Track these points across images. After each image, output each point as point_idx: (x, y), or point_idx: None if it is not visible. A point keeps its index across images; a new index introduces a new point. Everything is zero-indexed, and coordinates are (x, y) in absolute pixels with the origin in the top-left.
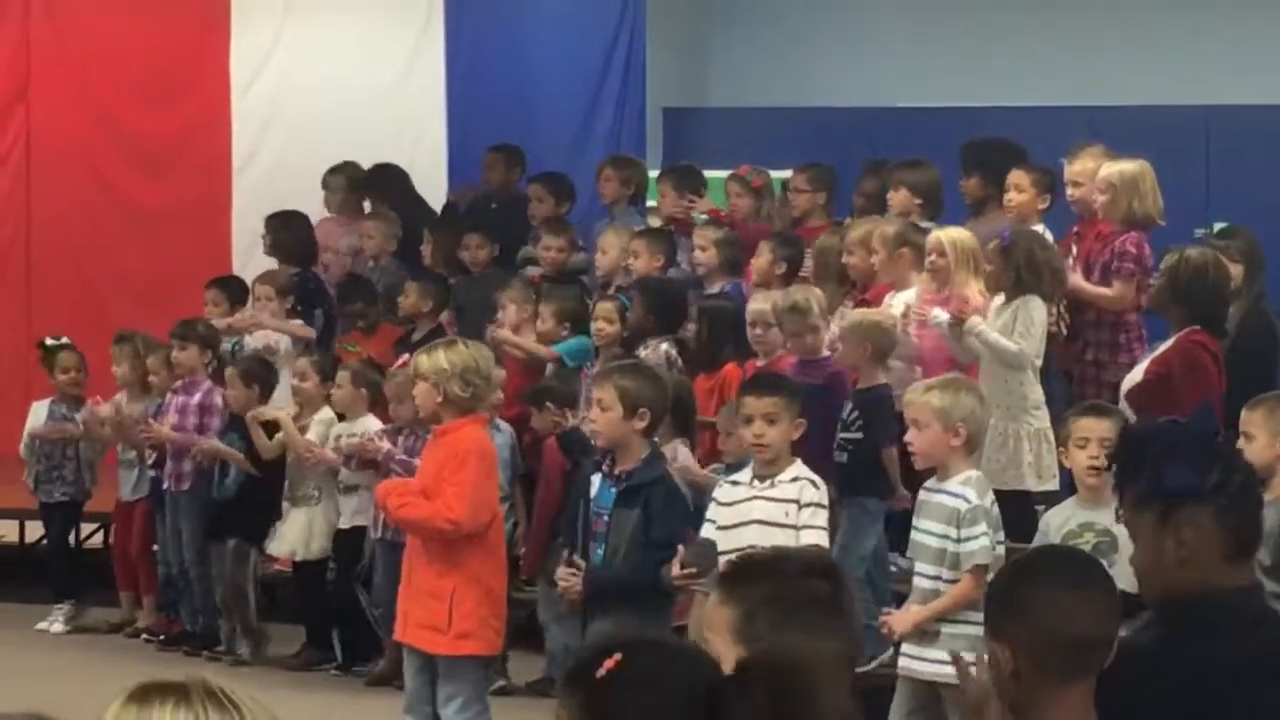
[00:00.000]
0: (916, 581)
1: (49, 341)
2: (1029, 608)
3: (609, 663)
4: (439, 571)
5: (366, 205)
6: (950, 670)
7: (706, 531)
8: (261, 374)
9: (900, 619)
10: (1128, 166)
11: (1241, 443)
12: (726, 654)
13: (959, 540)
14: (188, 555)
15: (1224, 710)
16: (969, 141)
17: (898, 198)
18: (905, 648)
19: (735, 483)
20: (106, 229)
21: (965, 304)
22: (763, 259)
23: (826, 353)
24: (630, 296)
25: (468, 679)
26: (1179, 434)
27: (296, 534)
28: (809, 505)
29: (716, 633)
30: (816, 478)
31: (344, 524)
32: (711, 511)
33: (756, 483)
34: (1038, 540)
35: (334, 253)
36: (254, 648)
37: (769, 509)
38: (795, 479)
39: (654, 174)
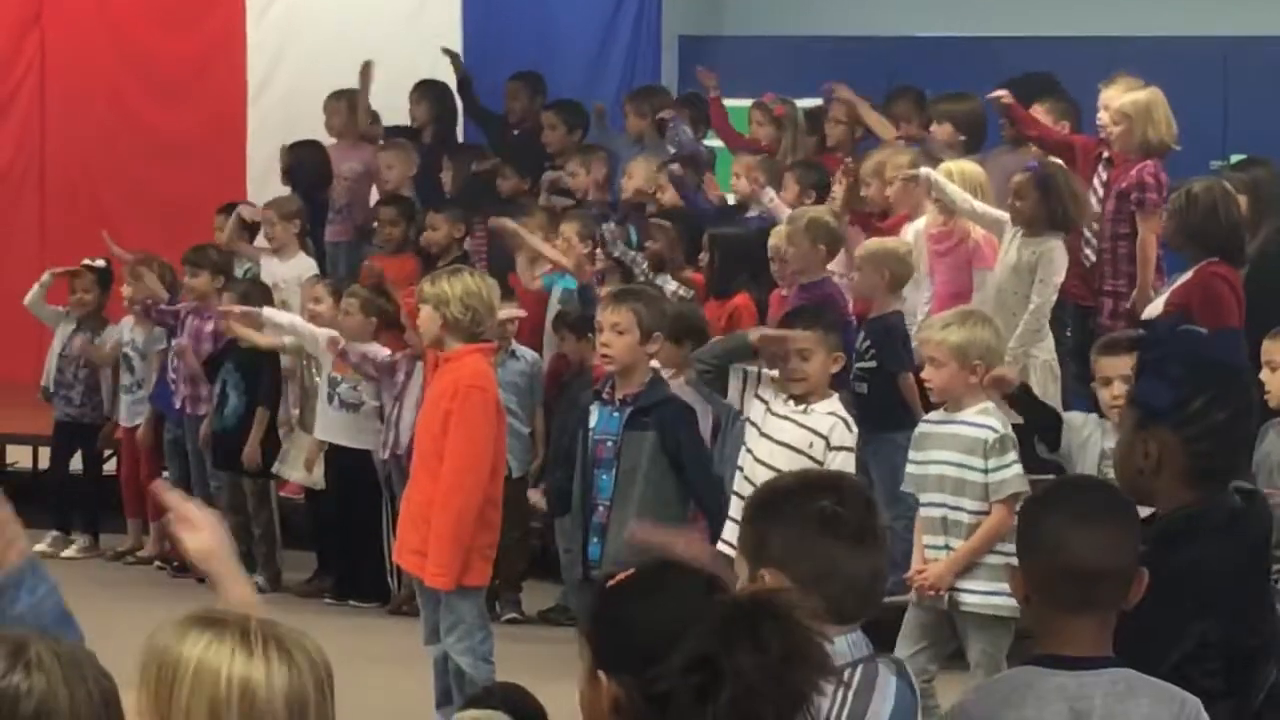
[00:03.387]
0: (925, 512)
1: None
2: (1037, 536)
3: (621, 575)
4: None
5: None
6: (979, 600)
7: (740, 453)
8: (258, 299)
9: (938, 574)
10: (1140, 95)
11: (1264, 373)
12: (740, 570)
13: (987, 470)
14: (213, 482)
15: (1207, 618)
16: (1008, 80)
17: (941, 131)
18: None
19: (764, 400)
20: (121, 155)
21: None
22: (789, 191)
23: (825, 274)
24: (639, 225)
25: (468, 606)
26: (1181, 349)
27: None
28: (840, 449)
29: (739, 553)
30: (850, 418)
31: (338, 440)
32: (746, 430)
33: (791, 403)
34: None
35: (339, 178)
36: (271, 581)
37: (797, 435)
38: (830, 413)
39: None
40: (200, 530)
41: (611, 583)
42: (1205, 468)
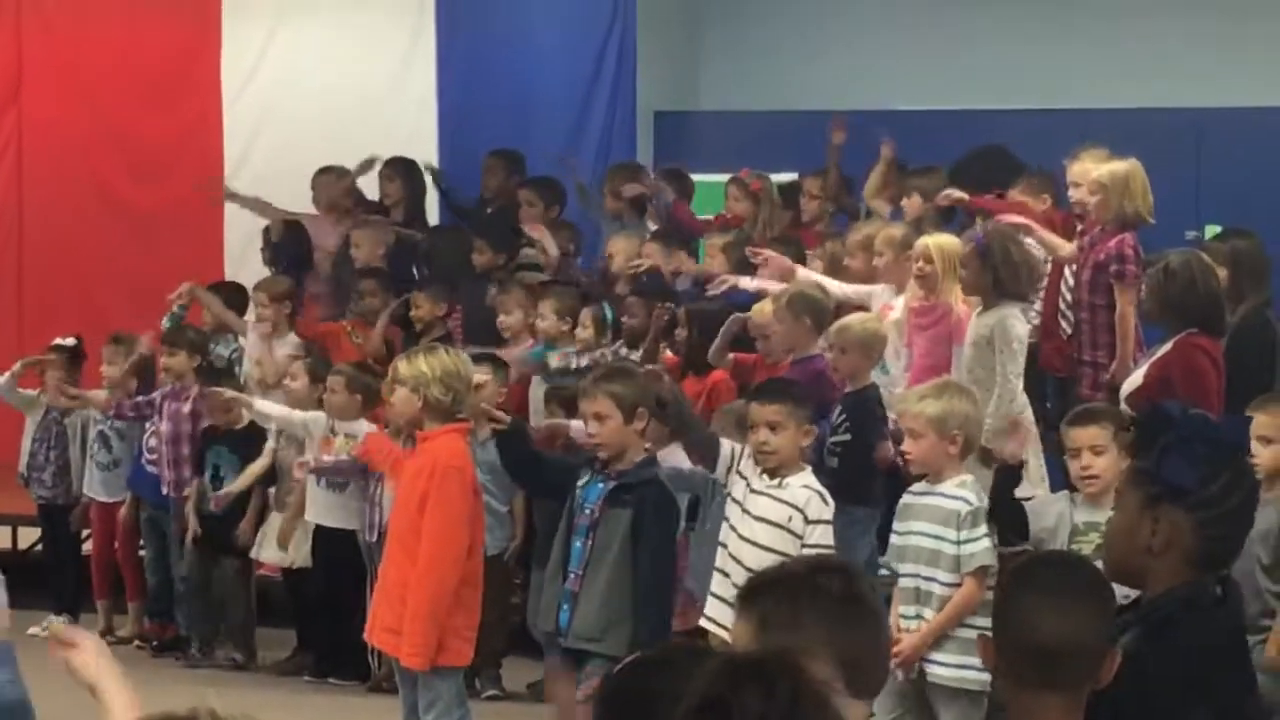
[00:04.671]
0: (903, 583)
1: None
2: (1006, 610)
3: (634, 657)
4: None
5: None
6: (948, 673)
7: (723, 530)
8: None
9: (912, 647)
10: (1118, 166)
11: (1255, 446)
12: None
13: (959, 542)
14: (189, 561)
15: (1203, 704)
16: (957, 164)
17: (911, 204)
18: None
19: (742, 476)
20: (99, 232)
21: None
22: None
23: (815, 351)
24: (614, 306)
25: (446, 685)
26: (1201, 430)
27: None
28: (818, 522)
29: (750, 636)
30: (825, 491)
31: (326, 521)
32: (728, 507)
33: (765, 478)
34: (1032, 523)
35: (324, 252)
36: (247, 659)
37: (775, 510)
38: (805, 486)
39: None
40: (80, 648)
41: (624, 666)
42: (1213, 551)
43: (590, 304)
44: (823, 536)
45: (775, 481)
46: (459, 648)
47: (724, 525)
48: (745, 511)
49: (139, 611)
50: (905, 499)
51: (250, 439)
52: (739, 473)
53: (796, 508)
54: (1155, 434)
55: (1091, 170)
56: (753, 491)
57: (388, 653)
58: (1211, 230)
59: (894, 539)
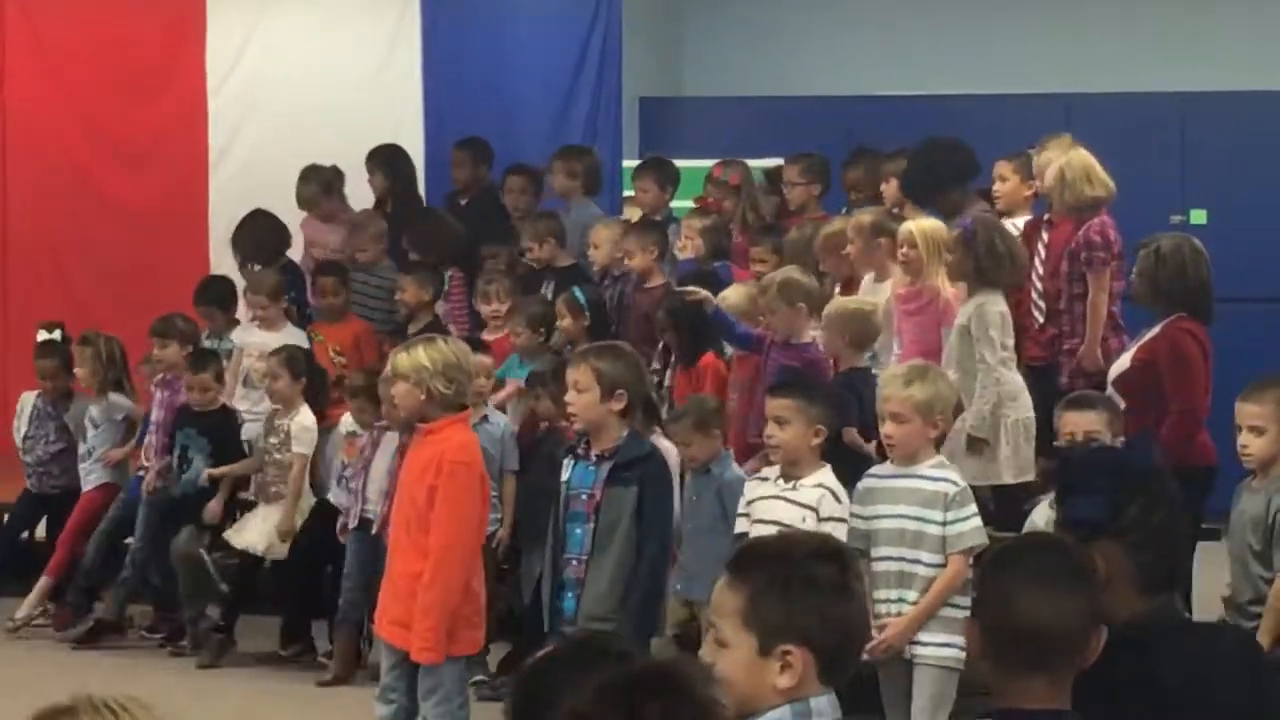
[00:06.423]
0: (881, 566)
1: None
2: (989, 594)
3: (541, 653)
4: (420, 569)
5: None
6: (931, 652)
7: (740, 525)
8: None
9: (897, 633)
10: (1057, 165)
11: (1247, 436)
12: (734, 639)
13: (946, 523)
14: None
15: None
16: (906, 176)
17: (888, 189)
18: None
19: (763, 479)
20: (83, 224)
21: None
22: (767, 264)
23: (809, 339)
24: (586, 290)
25: (449, 673)
26: (1101, 464)
27: (265, 530)
28: (829, 520)
29: (724, 617)
30: (839, 488)
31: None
32: (743, 507)
33: (781, 482)
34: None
35: (324, 248)
36: (226, 614)
37: (788, 512)
38: (818, 485)
39: (630, 164)
40: None
41: (532, 661)
42: (1152, 575)
43: (560, 293)
44: (833, 534)
45: (790, 485)
46: (469, 636)
47: (746, 520)
48: (758, 520)
49: (41, 593)
50: (868, 482)
51: (222, 423)
52: (758, 476)
53: (809, 507)
54: (1065, 479)
55: (1055, 160)
56: (766, 497)
57: (397, 646)
58: (1197, 215)
59: (858, 523)
